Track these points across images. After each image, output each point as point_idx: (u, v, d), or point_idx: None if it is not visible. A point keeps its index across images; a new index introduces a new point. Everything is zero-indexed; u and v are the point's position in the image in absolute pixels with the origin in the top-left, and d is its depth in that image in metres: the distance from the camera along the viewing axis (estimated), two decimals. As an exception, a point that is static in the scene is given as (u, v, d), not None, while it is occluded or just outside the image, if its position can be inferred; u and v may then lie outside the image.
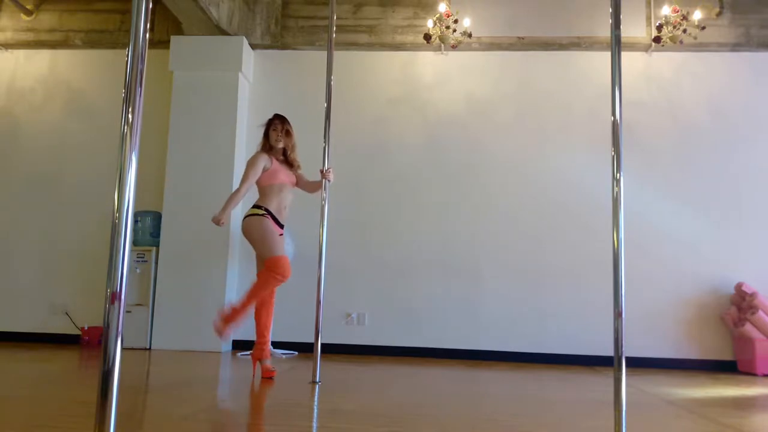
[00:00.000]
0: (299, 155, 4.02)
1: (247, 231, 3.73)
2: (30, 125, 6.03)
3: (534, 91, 5.71)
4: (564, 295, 5.38)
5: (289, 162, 3.92)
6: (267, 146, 3.88)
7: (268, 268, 3.62)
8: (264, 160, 3.80)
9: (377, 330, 5.49)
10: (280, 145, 3.87)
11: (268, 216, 3.73)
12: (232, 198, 3.72)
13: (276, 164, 3.83)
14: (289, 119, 3.94)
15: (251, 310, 3.70)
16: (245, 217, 3.74)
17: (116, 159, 1.46)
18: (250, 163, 3.79)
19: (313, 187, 4.01)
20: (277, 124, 3.89)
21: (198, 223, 5.38)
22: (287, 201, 3.86)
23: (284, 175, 3.84)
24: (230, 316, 3.66)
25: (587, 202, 5.47)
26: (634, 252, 5.15)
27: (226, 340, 3.66)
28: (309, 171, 4.12)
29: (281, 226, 3.82)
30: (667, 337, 5.28)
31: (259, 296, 3.66)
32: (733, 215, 5.40)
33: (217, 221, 3.64)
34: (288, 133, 3.91)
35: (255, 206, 3.76)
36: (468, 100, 5.74)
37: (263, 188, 3.81)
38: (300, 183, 4.00)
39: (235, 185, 5.47)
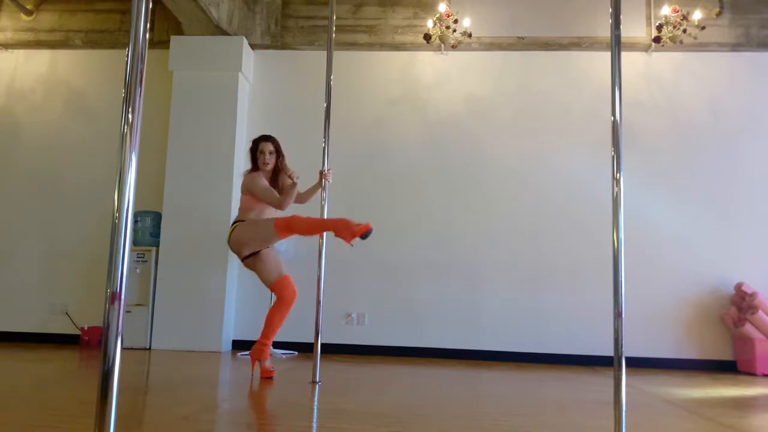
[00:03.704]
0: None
1: (239, 237, 3.55)
2: (30, 125, 6.03)
3: (534, 91, 5.71)
4: (564, 295, 5.38)
5: (278, 184, 3.75)
6: (255, 168, 3.74)
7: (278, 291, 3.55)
8: (262, 180, 3.64)
9: (377, 330, 5.49)
10: (269, 168, 3.73)
11: None
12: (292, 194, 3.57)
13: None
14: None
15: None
16: (233, 230, 3.60)
17: (116, 159, 1.45)
18: (255, 185, 3.60)
19: (306, 195, 3.88)
20: (262, 147, 3.73)
21: (198, 223, 5.38)
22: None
23: None
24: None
25: (587, 201, 5.47)
26: (634, 252, 5.13)
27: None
28: (309, 171, 4.11)
29: None
30: (667, 337, 5.28)
31: (279, 324, 3.54)
32: (733, 215, 5.40)
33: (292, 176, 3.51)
34: (276, 153, 3.75)
35: (238, 220, 3.65)
36: (468, 100, 5.74)
37: (249, 208, 3.67)
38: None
39: (235, 185, 5.48)
